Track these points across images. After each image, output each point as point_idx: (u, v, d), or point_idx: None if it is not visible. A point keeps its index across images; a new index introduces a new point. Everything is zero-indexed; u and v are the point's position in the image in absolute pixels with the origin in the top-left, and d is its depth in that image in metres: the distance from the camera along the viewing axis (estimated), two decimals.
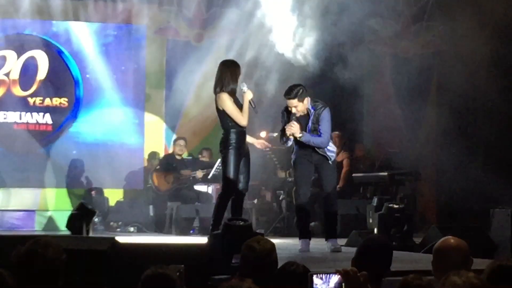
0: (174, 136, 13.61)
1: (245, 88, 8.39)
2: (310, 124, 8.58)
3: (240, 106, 8.38)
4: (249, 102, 8.38)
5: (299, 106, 8.56)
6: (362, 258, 4.41)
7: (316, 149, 8.65)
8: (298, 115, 8.60)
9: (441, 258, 4.19)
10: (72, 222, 8.99)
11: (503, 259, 3.80)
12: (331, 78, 11.95)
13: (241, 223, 6.97)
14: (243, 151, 8.42)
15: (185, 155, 13.00)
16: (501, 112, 12.77)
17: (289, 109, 8.61)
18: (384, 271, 4.38)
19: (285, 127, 8.58)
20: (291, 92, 8.59)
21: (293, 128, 8.53)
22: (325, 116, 8.62)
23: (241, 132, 8.39)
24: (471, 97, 13.01)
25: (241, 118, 8.35)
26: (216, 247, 6.64)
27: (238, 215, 8.30)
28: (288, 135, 8.57)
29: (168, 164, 12.87)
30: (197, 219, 12.03)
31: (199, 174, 12.68)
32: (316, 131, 8.60)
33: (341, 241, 9.82)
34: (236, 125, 8.35)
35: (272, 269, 4.48)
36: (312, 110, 8.60)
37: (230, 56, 11.40)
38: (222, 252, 6.47)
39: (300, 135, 8.54)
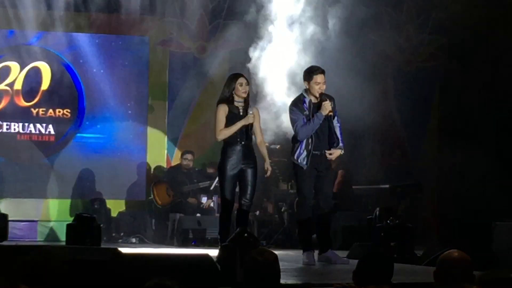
0: (176, 149, 13.66)
1: (250, 112, 8.47)
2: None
3: (232, 115, 8.45)
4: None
5: (325, 85, 8.61)
6: (363, 271, 4.42)
7: (327, 156, 8.62)
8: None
9: (445, 270, 4.21)
10: (69, 234, 9.00)
11: (496, 271, 3.80)
12: (332, 90, 11.96)
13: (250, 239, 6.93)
14: (238, 163, 8.44)
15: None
16: (504, 126, 12.78)
17: (316, 88, 8.53)
18: (385, 284, 4.39)
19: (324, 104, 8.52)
20: (321, 68, 8.69)
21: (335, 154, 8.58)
22: (335, 106, 8.74)
23: (227, 145, 8.45)
24: (474, 110, 13.02)
25: (217, 132, 8.49)
26: (224, 259, 6.65)
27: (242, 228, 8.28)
28: (327, 113, 8.48)
29: (173, 177, 12.92)
30: (198, 230, 12.07)
31: (206, 204, 12.79)
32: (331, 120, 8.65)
33: (343, 253, 9.83)
34: (229, 137, 8.43)
35: (276, 280, 4.49)
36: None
37: (233, 68, 11.45)
38: (228, 264, 6.49)
39: (331, 113, 8.54)
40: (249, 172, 8.48)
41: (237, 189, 8.75)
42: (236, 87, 8.50)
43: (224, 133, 8.47)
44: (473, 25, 12.68)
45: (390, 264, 4.51)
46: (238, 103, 8.55)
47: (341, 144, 8.67)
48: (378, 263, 4.43)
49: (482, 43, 12.90)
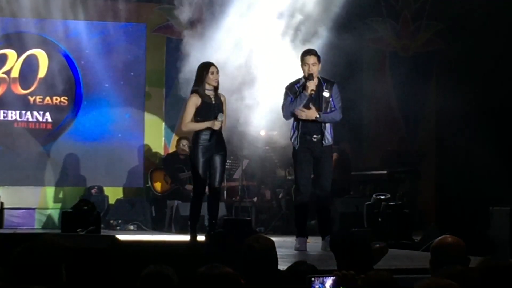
0: (174, 136, 13.64)
1: (219, 118, 8.63)
2: (327, 94, 8.63)
3: (205, 105, 8.66)
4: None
5: (316, 67, 8.60)
6: (341, 258, 4.42)
7: (322, 141, 8.60)
8: (311, 87, 8.54)
9: (438, 256, 4.21)
10: (64, 222, 8.98)
11: (495, 259, 3.80)
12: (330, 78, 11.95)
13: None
14: (209, 151, 8.65)
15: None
16: (502, 111, 12.77)
17: (306, 69, 8.56)
18: (368, 266, 4.35)
19: (297, 113, 8.53)
20: (313, 50, 8.76)
21: (309, 112, 8.52)
22: (337, 91, 8.73)
23: (199, 133, 8.66)
24: (471, 96, 13.01)
25: (183, 124, 8.85)
26: (214, 245, 6.67)
27: (212, 215, 8.72)
28: (310, 92, 8.50)
29: (170, 164, 12.91)
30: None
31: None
32: (329, 103, 8.63)
33: None
34: None
35: (272, 267, 4.49)
36: (323, 83, 8.69)
37: (229, 55, 11.44)
38: (221, 249, 6.50)
39: (317, 115, 8.54)
40: (218, 159, 8.70)
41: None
42: (208, 76, 8.73)
43: (189, 127, 8.79)
44: (471, 10, 12.66)
45: (365, 248, 4.49)
46: (209, 91, 8.78)
47: (323, 116, 8.60)
48: (351, 249, 4.42)
49: (480, 28, 12.87)
